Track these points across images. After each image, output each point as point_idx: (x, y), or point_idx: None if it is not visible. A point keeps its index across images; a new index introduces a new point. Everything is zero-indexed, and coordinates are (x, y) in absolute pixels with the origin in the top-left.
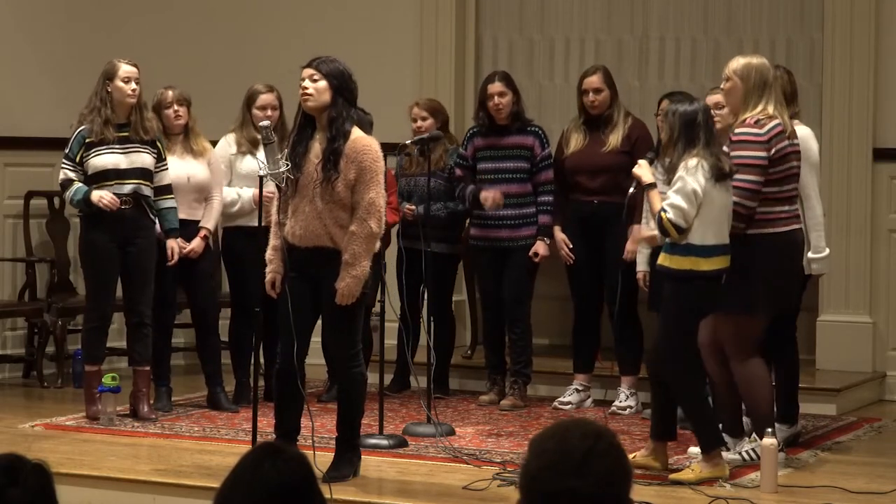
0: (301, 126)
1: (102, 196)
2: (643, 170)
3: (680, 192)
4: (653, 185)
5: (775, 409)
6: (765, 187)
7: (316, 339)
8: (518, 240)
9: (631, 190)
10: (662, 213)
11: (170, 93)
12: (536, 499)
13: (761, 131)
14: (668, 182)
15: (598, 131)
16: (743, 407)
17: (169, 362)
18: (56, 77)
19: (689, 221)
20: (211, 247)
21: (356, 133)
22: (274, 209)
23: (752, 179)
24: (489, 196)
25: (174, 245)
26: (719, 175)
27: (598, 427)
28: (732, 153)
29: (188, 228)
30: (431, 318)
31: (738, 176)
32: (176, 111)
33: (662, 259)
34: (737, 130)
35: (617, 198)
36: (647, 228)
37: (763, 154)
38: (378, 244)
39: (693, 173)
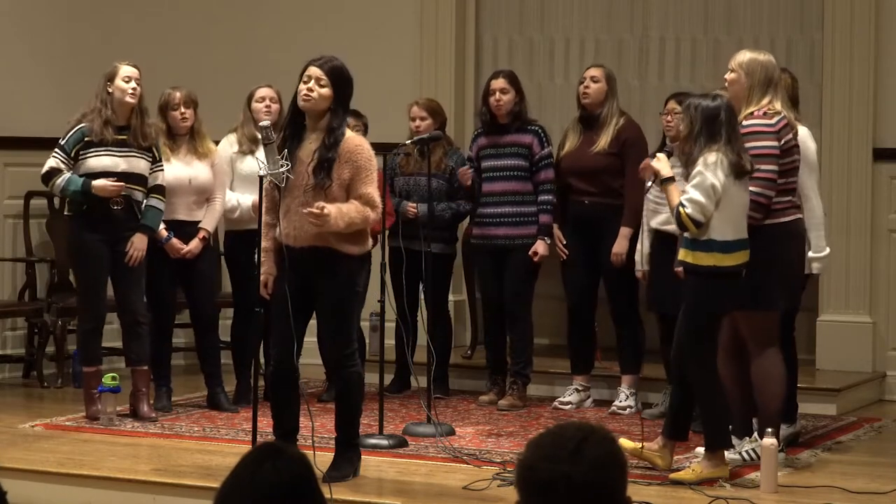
0: (292, 121)
1: (106, 183)
2: (661, 163)
3: (698, 186)
4: (671, 179)
5: None
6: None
7: (313, 339)
8: (517, 238)
9: (648, 184)
10: (681, 208)
11: (177, 94)
12: (532, 489)
13: (771, 122)
14: (686, 176)
15: (591, 132)
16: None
17: (169, 363)
18: (56, 77)
19: (707, 216)
20: (210, 247)
21: (347, 133)
22: (263, 210)
23: (769, 169)
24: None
25: (137, 241)
26: (739, 172)
27: (594, 424)
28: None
29: (187, 229)
30: (430, 318)
31: (756, 167)
32: (182, 113)
33: (684, 255)
34: (746, 122)
35: (608, 198)
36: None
37: (775, 143)
38: (368, 243)
39: (713, 169)
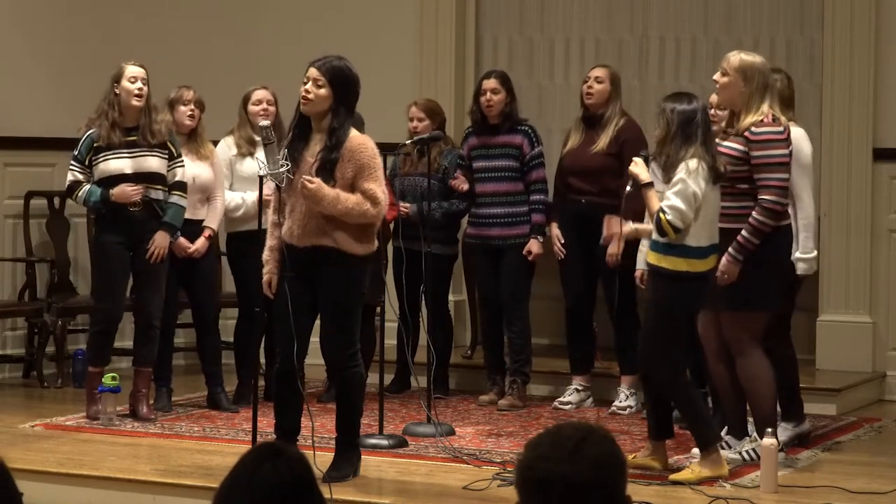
0: (299, 122)
1: (124, 189)
2: (639, 168)
3: (680, 194)
4: (650, 185)
5: (779, 408)
6: None
7: (315, 339)
8: (510, 238)
9: (627, 188)
10: (661, 214)
11: (190, 92)
12: (531, 488)
13: (781, 129)
14: (666, 181)
15: (592, 131)
16: (748, 407)
17: (170, 363)
18: (56, 77)
19: (687, 223)
20: (213, 247)
21: (351, 132)
22: (270, 210)
23: (783, 177)
24: (454, 182)
25: (159, 239)
26: (716, 177)
27: (592, 424)
28: (756, 152)
29: (191, 228)
30: (430, 319)
31: (770, 175)
32: (191, 111)
33: (657, 259)
34: (757, 130)
35: (605, 198)
36: (624, 224)
37: (786, 151)
38: (373, 244)
39: (694, 177)
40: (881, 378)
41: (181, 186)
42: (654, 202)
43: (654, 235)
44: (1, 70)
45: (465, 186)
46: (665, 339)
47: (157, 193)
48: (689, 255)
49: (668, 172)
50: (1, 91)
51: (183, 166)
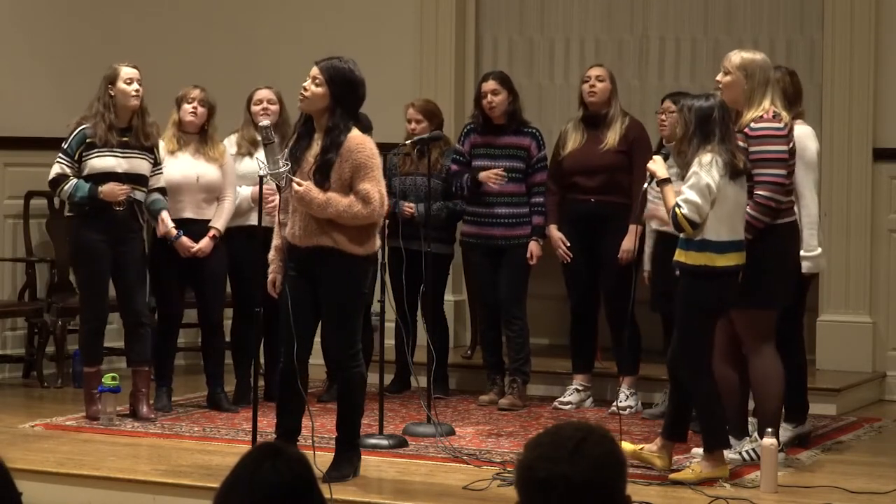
0: (305, 122)
1: (113, 188)
2: (658, 165)
3: (694, 187)
4: (667, 181)
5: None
6: None
7: (316, 338)
8: (514, 238)
9: (645, 185)
10: (677, 209)
11: (196, 91)
12: (531, 488)
13: (781, 125)
14: (683, 177)
15: (596, 130)
16: (750, 407)
17: (173, 363)
18: (56, 77)
19: (703, 216)
20: (222, 247)
21: (352, 132)
22: (276, 209)
23: (780, 174)
24: (487, 174)
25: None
26: (734, 172)
27: (592, 424)
28: (753, 148)
29: (196, 228)
30: (429, 319)
31: (766, 171)
32: (193, 108)
33: (678, 255)
34: (756, 126)
35: (614, 197)
36: (655, 208)
37: (785, 148)
38: (374, 244)
39: (707, 169)
40: (881, 378)
41: (162, 191)
42: (672, 198)
43: (681, 234)
44: (1, 70)
45: (496, 187)
46: (687, 336)
47: (140, 195)
48: (708, 249)
49: (685, 171)
50: (1, 91)
51: (161, 174)
